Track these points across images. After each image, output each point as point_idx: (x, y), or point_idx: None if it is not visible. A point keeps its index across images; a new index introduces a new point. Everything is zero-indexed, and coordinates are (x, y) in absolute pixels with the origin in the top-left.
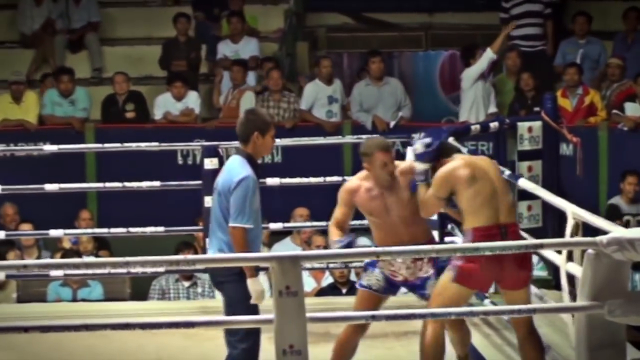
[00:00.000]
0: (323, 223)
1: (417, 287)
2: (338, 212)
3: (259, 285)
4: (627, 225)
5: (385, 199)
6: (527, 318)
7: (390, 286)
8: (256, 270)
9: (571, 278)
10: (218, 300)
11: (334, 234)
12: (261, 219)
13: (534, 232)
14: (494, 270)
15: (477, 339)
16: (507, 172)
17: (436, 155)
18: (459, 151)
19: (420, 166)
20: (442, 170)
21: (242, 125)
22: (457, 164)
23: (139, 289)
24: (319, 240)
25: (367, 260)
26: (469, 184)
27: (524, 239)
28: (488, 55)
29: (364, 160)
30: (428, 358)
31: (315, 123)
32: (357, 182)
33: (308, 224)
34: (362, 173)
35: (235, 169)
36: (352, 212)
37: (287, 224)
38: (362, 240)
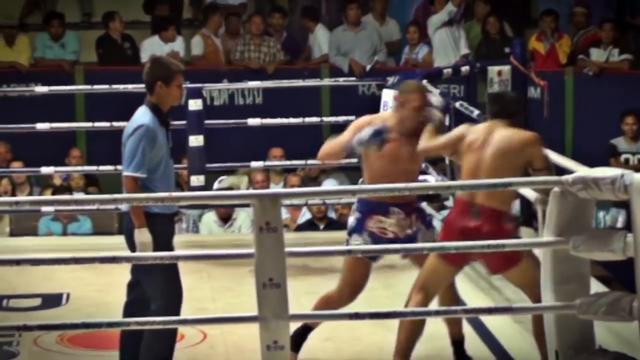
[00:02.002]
0: (301, 162)
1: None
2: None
3: (145, 237)
4: (626, 163)
5: (400, 146)
6: (532, 291)
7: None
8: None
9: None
10: (202, 235)
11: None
12: (170, 169)
13: None
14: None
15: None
16: (476, 112)
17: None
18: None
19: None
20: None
21: (146, 74)
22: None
23: None
24: (293, 180)
25: (352, 223)
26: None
27: (508, 233)
28: (448, 9)
29: (397, 98)
30: (405, 332)
31: (297, 67)
32: (371, 118)
33: (287, 162)
34: (383, 114)
35: (135, 118)
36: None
37: (267, 163)
38: (329, 182)
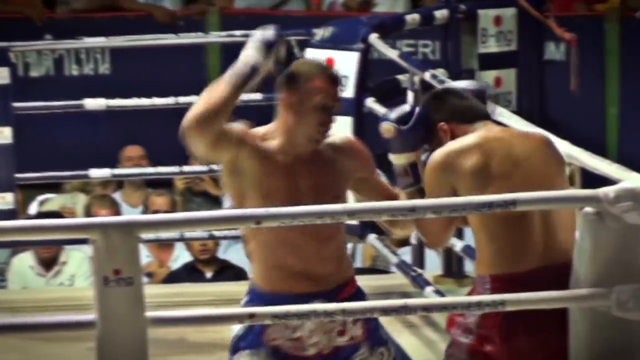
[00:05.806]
0: (172, 169)
1: None
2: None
3: None
4: None
5: (296, 174)
6: None
7: None
8: None
9: None
10: (11, 291)
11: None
12: None
13: None
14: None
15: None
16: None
17: (430, 123)
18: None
19: (394, 158)
20: (440, 154)
21: None
22: (469, 142)
23: None
24: (159, 201)
25: (239, 332)
26: (475, 183)
27: None
28: None
29: (280, 94)
30: None
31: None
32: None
33: (150, 170)
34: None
35: None
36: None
37: (116, 170)
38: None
